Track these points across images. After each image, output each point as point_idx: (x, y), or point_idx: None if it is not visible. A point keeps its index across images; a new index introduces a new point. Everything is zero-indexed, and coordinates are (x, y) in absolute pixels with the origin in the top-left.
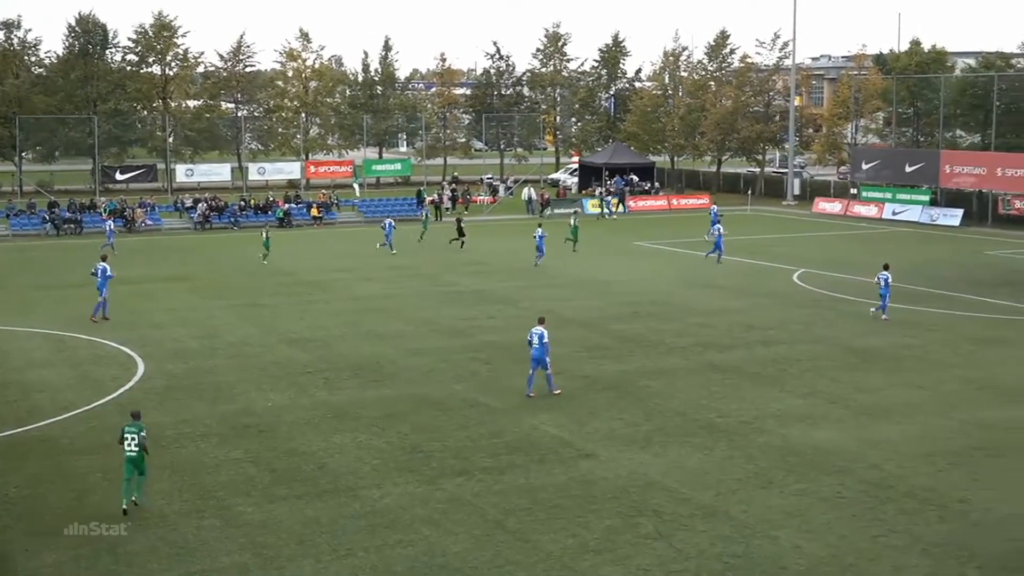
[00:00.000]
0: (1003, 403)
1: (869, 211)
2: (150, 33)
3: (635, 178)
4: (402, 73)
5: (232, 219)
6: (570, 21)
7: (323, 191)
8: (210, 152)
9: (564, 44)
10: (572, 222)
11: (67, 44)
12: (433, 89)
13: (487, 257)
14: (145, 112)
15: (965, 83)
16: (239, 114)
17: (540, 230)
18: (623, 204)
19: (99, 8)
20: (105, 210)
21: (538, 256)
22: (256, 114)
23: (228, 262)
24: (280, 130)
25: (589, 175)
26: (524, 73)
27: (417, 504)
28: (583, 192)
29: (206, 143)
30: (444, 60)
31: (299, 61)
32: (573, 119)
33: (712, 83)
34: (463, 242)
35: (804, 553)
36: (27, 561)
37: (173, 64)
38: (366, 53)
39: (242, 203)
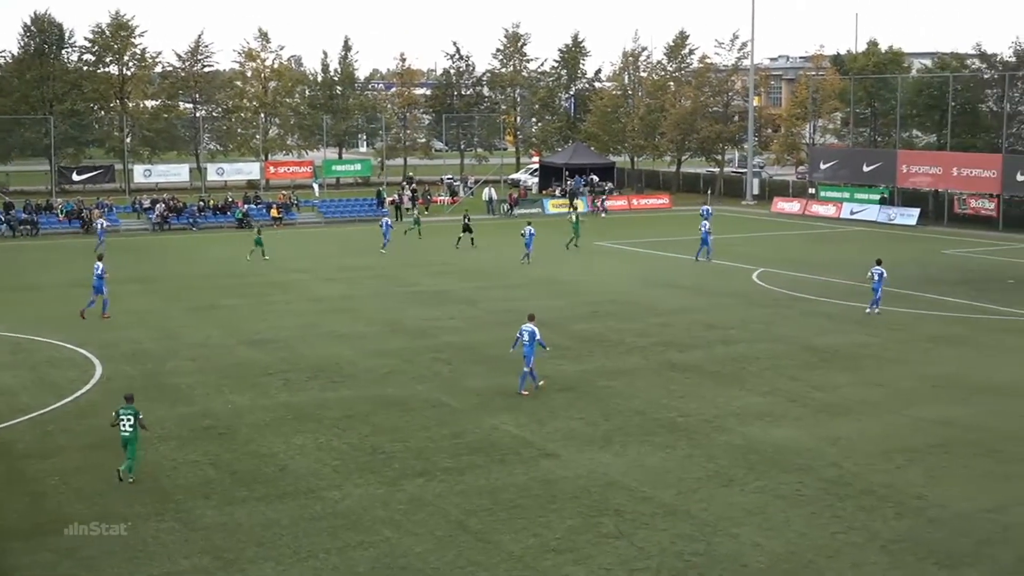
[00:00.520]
0: (959, 401)
1: (827, 211)
2: (107, 33)
3: (595, 178)
4: (362, 73)
5: (191, 220)
6: (530, 21)
7: (283, 192)
8: (168, 153)
9: (524, 44)
10: (573, 219)
11: (22, 44)
12: (393, 89)
13: (448, 257)
14: (102, 112)
15: (921, 84)
16: (197, 114)
17: (530, 228)
18: (596, 204)
19: (55, 7)
20: (62, 211)
21: (527, 254)
22: (215, 114)
23: (187, 263)
24: (239, 130)
25: (549, 175)
26: (484, 73)
27: (378, 505)
28: (543, 192)
29: (164, 143)
30: (404, 60)
31: (258, 61)
32: (533, 119)
33: (671, 83)
34: (472, 239)
35: (764, 550)
36: None
37: (130, 64)
38: (325, 53)
39: (201, 204)
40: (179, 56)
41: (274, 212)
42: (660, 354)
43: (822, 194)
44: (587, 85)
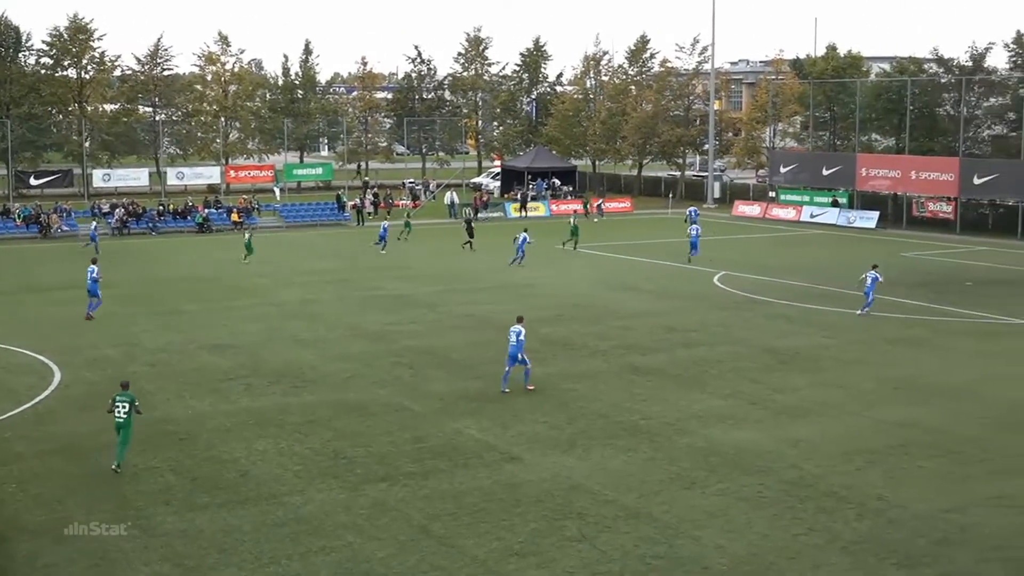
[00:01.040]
0: (919, 402)
1: (787, 214)
2: (65, 36)
3: (557, 182)
4: (323, 77)
5: (150, 225)
6: (491, 25)
7: (243, 196)
8: (128, 157)
9: (485, 48)
10: (572, 221)
11: None
12: (354, 93)
13: (409, 261)
14: (60, 116)
15: (880, 88)
16: (157, 118)
17: (525, 234)
18: (589, 207)
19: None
20: (19, 216)
21: (518, 258)
22: (175, 118)
23: (147, 268)
24: (199, 134)
25: (511, 179)
26: (446, 77)
27: (341, 510)
28: (505, 196)
29: (123, 147)
30: (365, 64)
31: (218, 65)
32: (495, 123)
33: (633, 87)
34: (471, 244)
35: (726, 552)
36: None
37: (89, 67)
38: (286, 57)
39: (161, 208)
40: (138, 59)
41: (235, 216)
42: (622, 357)
43: (782, 197)
44: (549, 89)
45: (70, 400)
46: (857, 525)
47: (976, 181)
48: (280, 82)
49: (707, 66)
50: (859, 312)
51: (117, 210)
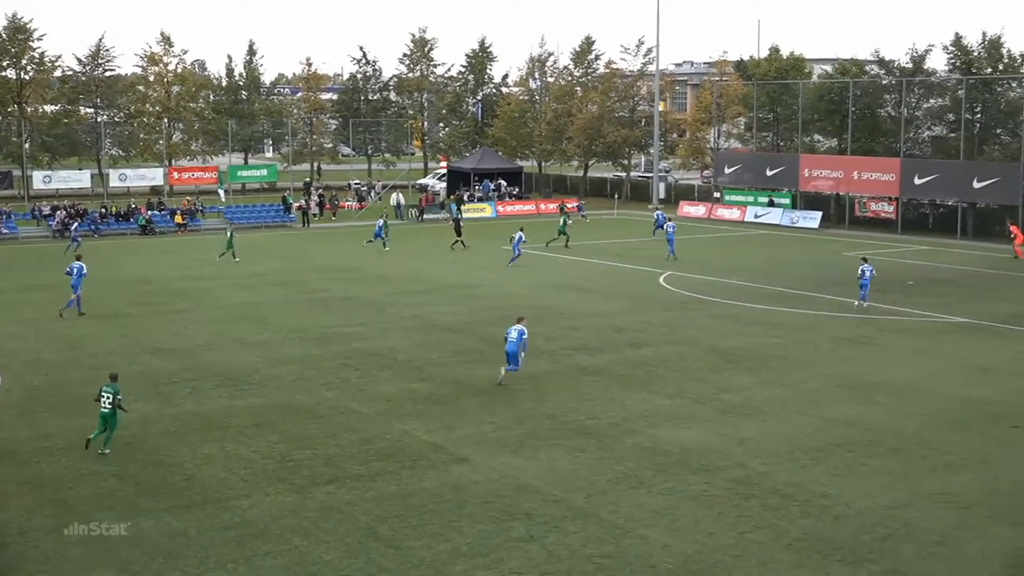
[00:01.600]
0: (861, 400)
1: (732, 214)
2: (3, 36)
3: (503, 183)
4: (267, 78)
5: (93, 227)
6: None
7: (187, 198)
8: (69, 158)
9: (431, 49)
10: (563, 220)
11: None
12: (299, 94)
13: (355, 263)
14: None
15: (822, 89)
16: (99, 119)
17: (521, 234)
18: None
19: None
20: None
21: (515, 257)
22: (117, 119)
23: (89, 271)
24: (142, 136)
25: (457, 180)
26: (391, 78)
27: (287, 514)
28: (451, 197)
29: (64, 149)
30: (310, 65)
31: (161, 65)
32: (441, 124)
33: (578, 88)
34: (462, 242)
35: (673, 551)
36: None
37: (29, 68)
38: (230, 57)
39: (103, 210)
40: (79, 60)
41: (178, 218)
42: (570, 358)
43: (727, 198)
44: (494, 90)
45: (10, 405)
46: (802, 522)
47: (917, 181)
48: (224, 83)
49: (652, 67)
50: (856, 303)
51: (58, 212)
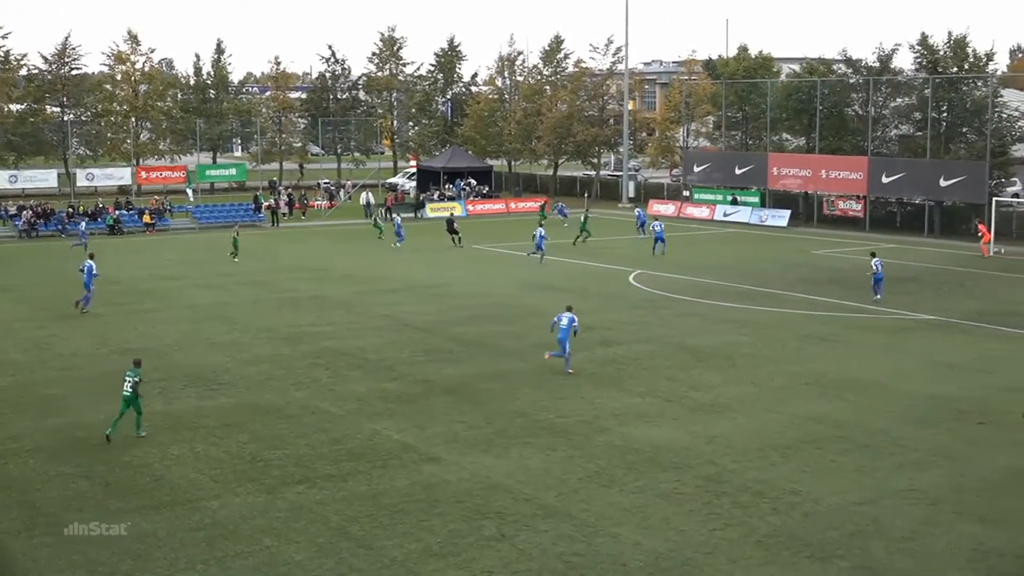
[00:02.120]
0: (830, 397)
1: (701, 212)
2: None
3: (473, 182)
4: (236, 76)
5: (60, 227)
6: (405, 25)
7: (155, 197)
8: (35, 158)
9: (400, 48)
10: (584, 217)
11: None
12: (268, 93)
13: (325, 262)
14: None
15: (790, 88)
16: (66, 118)
17: (541, 229)
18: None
19: None
20: None
21: (538, 253)
22: (84, 118)
23: (56, 271)
24: (109, 135)
25: (427, 179)
26: (360, 77)
27: (258, 514)
28: (420, 196)
29: (31, 148)
30: (278, 64)
31: (128, 64)
32: (410, 123)
33: (547, 87)
34: (459, 238)
35: (644, 549)
36: None
37: None
38: (198, 56)
39: (70, 210)
40: (45, 58)
41: (146, 218)
42: (539, 356)
43: (696, 196)
44: (464, 89)
45: None
46: (772, 519)
47: (884, 180)
48: (192, 82)
49: (621, 66)
50: (876, 297)
51: (24, 212)
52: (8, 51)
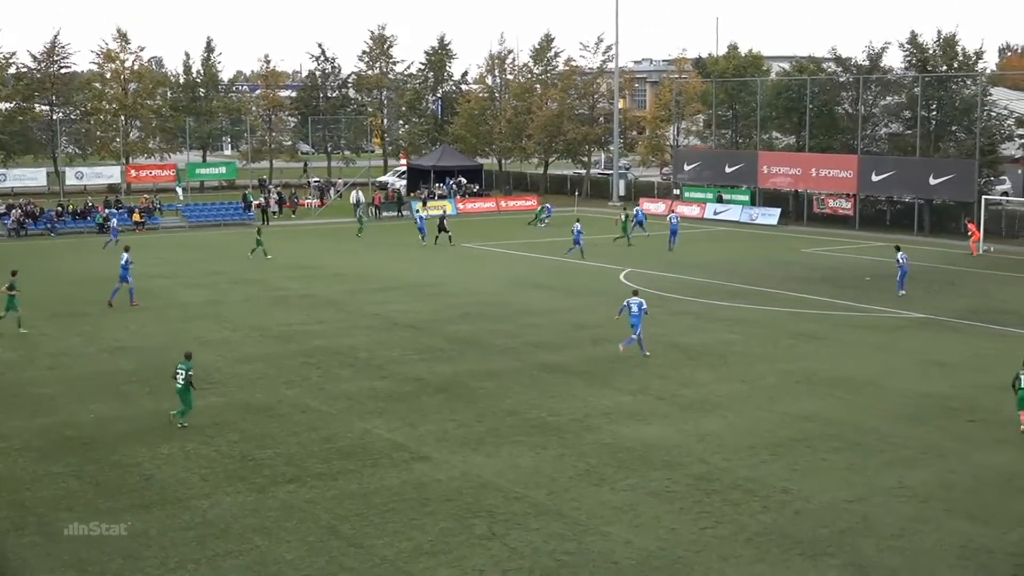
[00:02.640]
0: (820, 396)
1: (692, 211)
2: None
3: (463, 180)
4: (225, 75)
5: (49, 225)
6: (396, 23)
7: (145, 196)
8: (24, 156)
9: (390, 46)
10: (622, 217)
11: None
12: (258, 91)
13: (315, 261)
14: None
15: (780, 86)
16: (54, 117)
17: (578, 224)
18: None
19: None
20: None
21: (578, 248)
22: (73, 117)
23: (46, 270)
24: (99, 133)
25: (417, 178)
26: (350, 75)
27: (248, 513)
28: (411, 195)
29: (19, 147)
30: (268, 62)
31: (117, 62)
32: (400, 122)
33: (538, 86)
34: (450, 236)
35: (635, 547)
36: None
37: None
38: (187, 54)
39: (59, 209)
40: (34, 57)
41: (136, 217)
42: (531, 355)
43: (686, 195)
44: (454, 87)
45: None
46: (762, 517)
47: (874, 178)
48: (181, 80)
49: (611, 65)
50: (901, 292)
51: (13, 211)
52: None
